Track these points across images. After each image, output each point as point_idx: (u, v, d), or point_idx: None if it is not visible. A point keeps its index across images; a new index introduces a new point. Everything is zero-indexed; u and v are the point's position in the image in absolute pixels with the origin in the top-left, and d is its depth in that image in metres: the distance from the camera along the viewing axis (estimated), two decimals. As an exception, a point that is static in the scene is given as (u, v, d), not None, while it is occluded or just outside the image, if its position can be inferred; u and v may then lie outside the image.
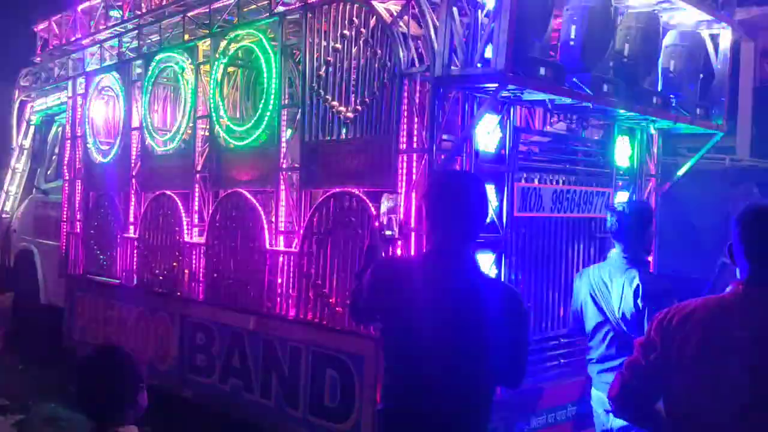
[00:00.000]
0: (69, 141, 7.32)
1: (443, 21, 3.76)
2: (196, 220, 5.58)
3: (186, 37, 5.74)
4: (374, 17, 4.17)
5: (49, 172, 8.37)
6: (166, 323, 5.72)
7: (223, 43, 5.29)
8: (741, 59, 8.62)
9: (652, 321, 2.31)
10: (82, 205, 7.12)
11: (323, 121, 4.50)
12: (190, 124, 5.65)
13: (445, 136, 3.99)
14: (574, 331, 4.18)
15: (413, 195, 3.91)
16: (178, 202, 5.74)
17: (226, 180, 5.31)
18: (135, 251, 6.26)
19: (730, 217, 2.25)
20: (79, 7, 7.17)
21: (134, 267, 6.27)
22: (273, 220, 4.85)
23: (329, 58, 4.43)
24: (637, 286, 3.53)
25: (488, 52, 3.64)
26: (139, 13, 6.27)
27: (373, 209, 4.13)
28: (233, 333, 5.04)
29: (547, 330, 4.45)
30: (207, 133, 5.51)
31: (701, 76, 4.95)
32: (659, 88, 4.79)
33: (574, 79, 3.98)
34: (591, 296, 3.78)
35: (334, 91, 4.41)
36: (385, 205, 4.05)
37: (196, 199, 5.57)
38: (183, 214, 5.68)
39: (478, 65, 3.69)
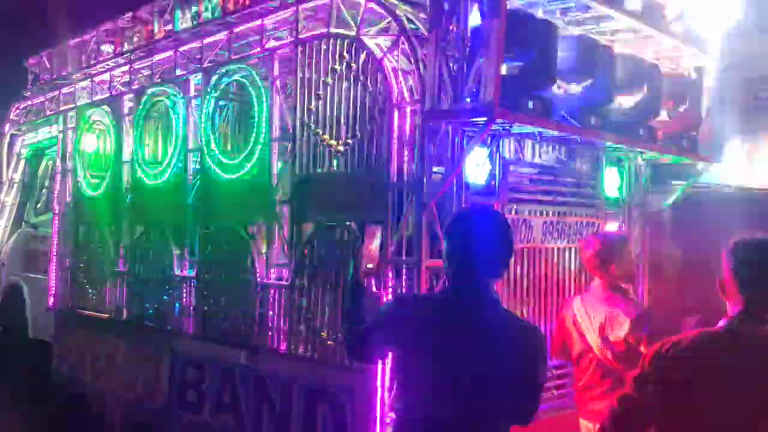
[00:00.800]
0: (59, 174, 7.31)
1: (432, 56, 3.81)
2: (186, 254, 5.56)
3: (177, 71, 5.78)
4: (364, 52, 4.22)
5: (38, 206, 8.35)
6: (156, 358, 5.66)
7: (214, 78, 5.33)
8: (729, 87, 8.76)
9: (645, 354, 2.31)
10: (71, 238, 7.08)
11: (314, 154, 4.52)
12: (181, 158, 5.66)
13: (435, 169, 4.02)
14: (563, 361, 4.20)
15: (403, 227, 3.92)
16: (169, 234, 5.73)
17: (217, 213, 5.31)
18: (125, 285, 6.22)
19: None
20: (71, 42, 7.23)
21: (124, 301, 6.23)
22: (264, 252, 4.85)
23: (320, 92, 4.48)
24: (631, 320, 3.55)
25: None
26: (131, 48, 6.32)
27: (364, 241, 4.13)
28: (224, 368, 5.00)
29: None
30: (198, 166, 5.52)
31: (686, 106, 5.02)
32: (646, 119, 4.85)
33: (562, 112, 4.03)
34: (574, 325, 3.83)
35: (325, 124, 4.45)
36: (377, 240, 4.03)
37: (187, 232, 5.55)
38: (173, 248, 5.66)
39: (467, 99, 3.73)
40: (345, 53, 4.33)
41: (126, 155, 6.28)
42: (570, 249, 4.66)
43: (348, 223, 4.27)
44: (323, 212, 4.47)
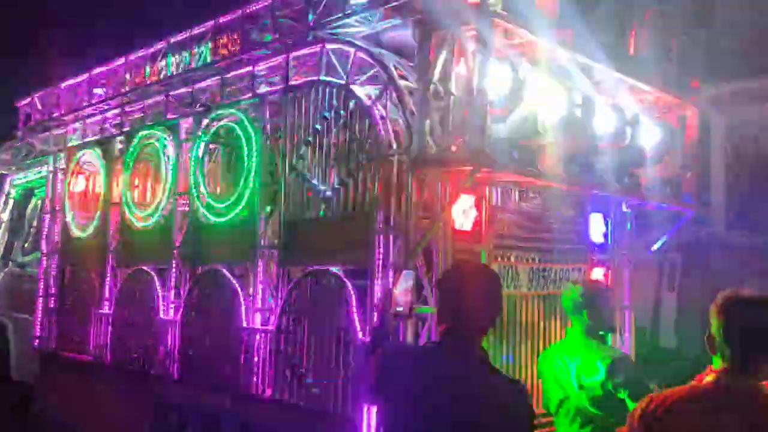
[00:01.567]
0: (48, 215, 7.30)
1: (419, 105, 3.88)
2: (172, 297, 5.53)
3: (168, 114, 5.83)
4: (353, 100, 4.29)
5: (26, 245, 8.30)
6: (140, 402, 5.58)
7: (205, 122, 5.38)
8: (711, 134, 8.88)
9: (633, 411, 2.29)
10: (57, 279, 7.04)
11: (302, 198, 4.56)
12: (170, 200, 5.68)
13: (421, 215, 4.05)
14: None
15: (390, 274, 3.94)
16: (155, 277, 5.71)
17: (205, 256, 5.31)
18: (109, 327, 6.17)
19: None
20: (63, 84, 7.29)
21: (108, 344, 6.17)
22: (250, 296, 4.83)
23: (309, 138, 4.53)
24: (607, 366, 3.55)
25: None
26: (123, 91, 6.38)
27: (350, 287, 4.14)
28: (208, 413, 4.93)
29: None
30: (187, 209, 5.53)
31: (669, 155, 5.10)
32: (630, 168, 4.92)
33: (547, 162, 4.09)
34: (553, 374, 3.81)
35: (314, 169, 4.49)
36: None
37: (173, 275, 5.54)
38: (159, 290, 5.63)
39: (453, 148, 3.79)
40: (334, 101, 4.40)
41: (115, 197, 6.30)
42: (556, 296, 4.67)
43: (334, 268, 4.27)
44: (310, 256, 4.47)
